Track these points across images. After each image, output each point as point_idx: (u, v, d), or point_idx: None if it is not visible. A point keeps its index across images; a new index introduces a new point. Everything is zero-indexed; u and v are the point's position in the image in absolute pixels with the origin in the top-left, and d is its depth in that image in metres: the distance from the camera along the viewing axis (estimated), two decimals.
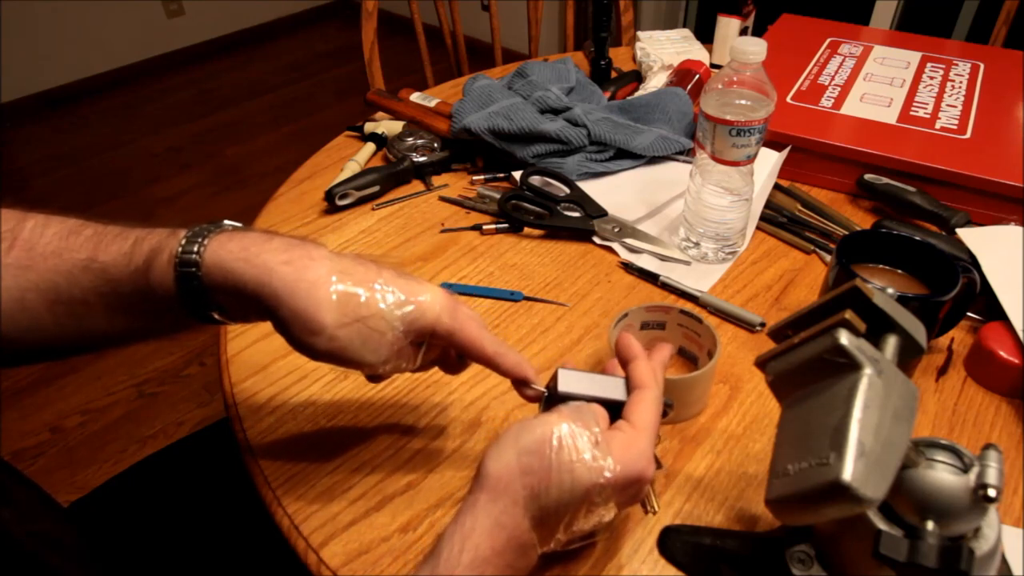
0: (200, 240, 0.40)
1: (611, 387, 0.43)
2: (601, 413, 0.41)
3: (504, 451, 0.38)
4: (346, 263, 0.41)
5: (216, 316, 0.42)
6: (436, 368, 0.49)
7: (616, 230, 0.74)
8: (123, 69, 3.05)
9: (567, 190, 0.77)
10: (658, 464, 0.47)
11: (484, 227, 0.76)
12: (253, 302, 0.40)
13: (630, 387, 0.43)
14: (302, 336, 0.40)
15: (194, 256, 0.40)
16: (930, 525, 0.33)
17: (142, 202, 2.35)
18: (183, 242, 0.40)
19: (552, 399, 0.43)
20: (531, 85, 0.89)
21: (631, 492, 0.40)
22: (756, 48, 0.59)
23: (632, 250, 0.72)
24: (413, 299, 0.42)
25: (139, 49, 3.07)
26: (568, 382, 0.42)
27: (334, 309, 0.39)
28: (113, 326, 0.43)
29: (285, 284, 0.39)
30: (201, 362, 1.72)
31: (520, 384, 0.45)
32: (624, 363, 0.45)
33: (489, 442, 0.43)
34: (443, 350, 0.47)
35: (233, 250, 0.40)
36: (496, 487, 0.38)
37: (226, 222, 0.44)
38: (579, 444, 0.38)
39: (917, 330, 0.38)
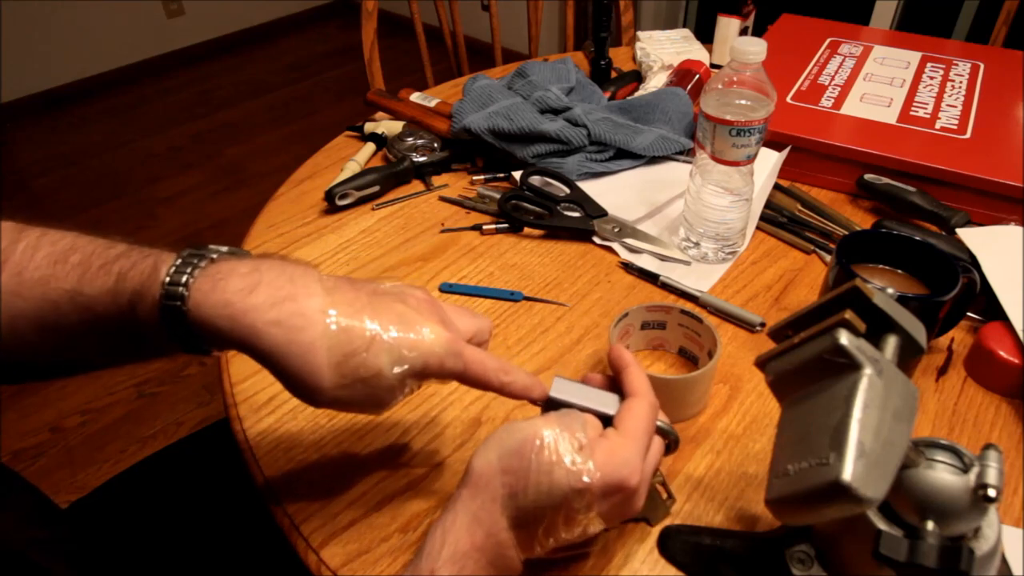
0: (183, 283, 0.37)
1: (605, 401, 0.43)
2: (592, 422, 0.41)
3: (488, 450, 0.39)
4: (341, 308, 0.38)
5: (215, 352, 0.41)
6: None
7: (616, 230, 0.74)
8: (123, 69, 3.05)
9: (567, 190, 0.77)
10: (675, 442, 0.46)
11: (484, 227, 0.76)
12: (246, 354, 0.38)
13: (623, 398, 0.43)
14: (299, 395, 0.39)
15: (177, 304, 0.37)
16: (930, 525, 0.33)
17: (142, 202, 2.35)
18: (165, 282, 0.37)
19: (550, 406, 0.43)
20: (531, 85, 0.89)
21: (615, 501, 0.39)
22: (756, 48, 0.59)
23: (632, 250, 0.72)
24: (414, 351, 0.39)
25: (139, 49, 3.07)
26: (561, 390, 0.42)
27: (332, 372, 0.37)
28: (107, 354, 0.42)
29: (276, 347, 0.37)
30: (201, 362, 1.71)
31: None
32: (617, 373, 0.44)
33: None
34: None
35: (216, 305, 0.37)
36: (477, 484, 0.38)
37: (211, 248, 0.41)
38: (560, 448, 0.38)
39: (917, 330, 0.38)
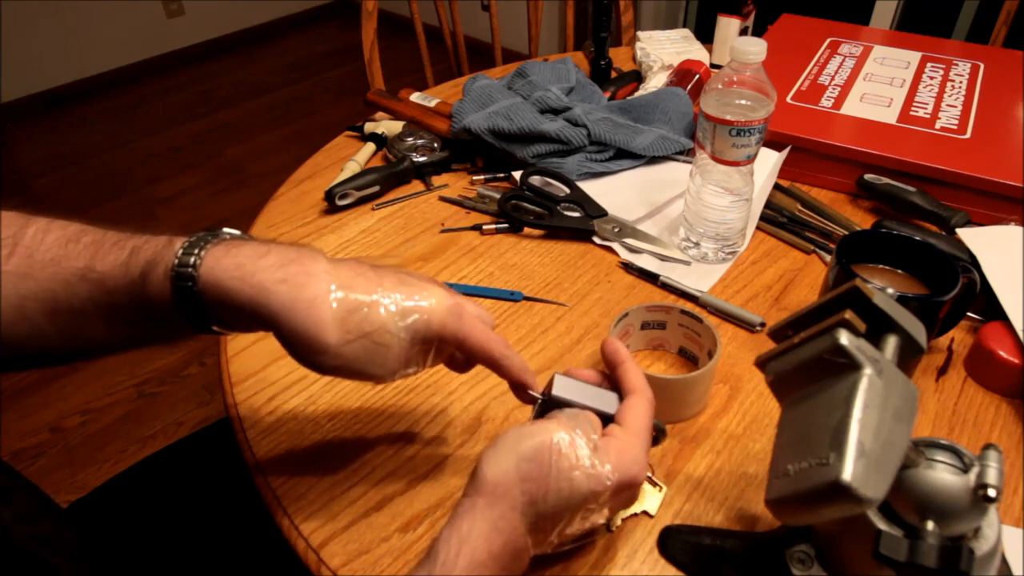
0: (196, 253, 0.39)
1: (603, 399, 0.43)
2: (596, 420, 0.41)
3: (503, 457, 0.39)
4: (344, 274, 0.40)
5: (216, 328, 0.41)
6: (436, 368, 0.49)
7: (616, 230, 0.74)
8: (123, 69, 3.05)
9: (567, 190, 0.77)
10: (662, 433, 0.46)
11: (484, 227, 0.76)
12: (253, 320, 0.39)
13: (622, 394, 0.43)
14: (306, 355, 0.39)
15: (189, 270, 0.38)
16: (930, 525, 0.33)
17: (142, 202, 2.35)
18: (179, 253, 0.39)
19: (547, 404, 0.43)
20: (531, 85, 0.89)
21: (625, 496, 0.40)
22: (756, 48, 0.59)
23: (632, 250, 0.72)
24: (417, 307, 0.40)
25: (139, 49, 3.07)
26: (563, 388, 0.43)
27: (336, 327, 0.38)
28: (113, 335, 0.43)
29: (283, 304, 0.38)
30: (201, 362, 1.72)
31: (519, 387, 0.45)
32: (612, 368, 0.44)
33: (489, 443, 0.43)
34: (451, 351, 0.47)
35: (228, 267, 0.38)
36: (494, 492, 0.38)
37: (224, 230, 0.42)
38: (579, 452, 0.38)
39: (917, 330, 0.38)
